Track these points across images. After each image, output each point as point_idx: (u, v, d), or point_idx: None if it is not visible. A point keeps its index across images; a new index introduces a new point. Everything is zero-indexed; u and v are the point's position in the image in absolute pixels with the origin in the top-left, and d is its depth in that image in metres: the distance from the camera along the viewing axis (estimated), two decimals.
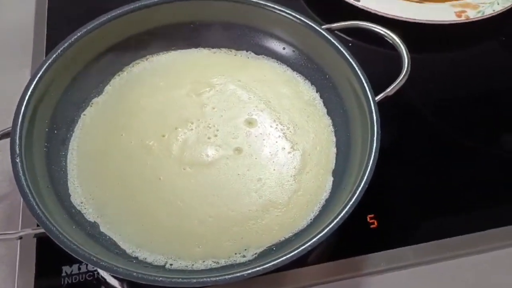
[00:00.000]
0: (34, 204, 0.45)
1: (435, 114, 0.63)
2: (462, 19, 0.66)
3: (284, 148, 0.55)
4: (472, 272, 0.52)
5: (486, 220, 0.55)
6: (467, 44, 0.70)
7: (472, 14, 0.67)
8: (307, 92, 0.60)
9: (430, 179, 0.58)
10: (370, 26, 0.58)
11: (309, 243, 0.44)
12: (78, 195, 0.52)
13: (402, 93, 0.56)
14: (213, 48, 0.63)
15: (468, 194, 0.57)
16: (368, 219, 0.54)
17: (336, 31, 0.61)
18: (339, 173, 0.53)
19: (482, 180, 0.58)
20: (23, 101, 0.51)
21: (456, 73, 0.68)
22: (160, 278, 0.42)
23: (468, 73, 0.68)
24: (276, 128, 0.57)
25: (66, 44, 0.56)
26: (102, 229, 0.50)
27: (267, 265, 0.43)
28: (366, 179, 0.47)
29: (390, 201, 0.57)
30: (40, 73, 0.53)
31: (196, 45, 0.63)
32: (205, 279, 0.42)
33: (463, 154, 0.60)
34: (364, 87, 0.53)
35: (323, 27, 0.58)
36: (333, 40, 0.56)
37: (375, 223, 0.54)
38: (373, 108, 0.51)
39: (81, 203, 0.52)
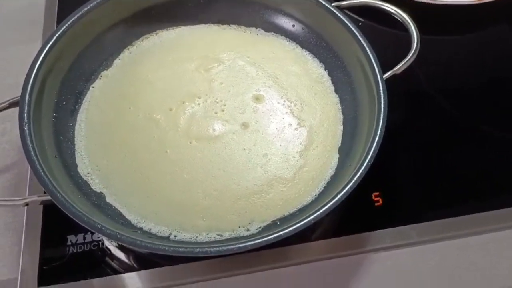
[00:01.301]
0: (41, 171, 0.46)
1: (443, 96, 0.63)
2: (476, 0, 0.65)
3: (291, 125, 0.55)
4: (476, 252, 0.51)
5: (492, 201, 0.54)
6: (480, 27, 0.69)
7: None
8: (316, 69, 0.60)
9: (436, 159, 0.58)
10: (380, 4, 0.57)
11: (311, 217, 0.44)
12: (85, 166, 0.53)
13: (411, 74, 0.56)
14: (222, 24, 0.63)
15: (474, 175, 0.57)
16: (373, 197, 0.54)
17: (346, 11, 0.61)
18: (345, 150, 0.53)
19: (489, 162, 0.58)
20: (32, 71, 0.52)
21: (468, 56, 0.67)
22: (163, 247, 0.43)
23: (479, 56, 0.67)
24: (284, 104, 0.57)
25: (76, 17, 0.56)
26: (108, 199, 0.51)
27: (269, 237, 0.44)
28: (371, 156, 0.47)
29: (395, 180, 0.56)
30: (50, 44, 0.54)
31: (206, 21, 0.63)
32: (207, 249, 0.42)
33: (470, 136, 0.60)
34: (372, 64, 0.52)
35: (333, 4, 0.57)
36: (342, 17, 0.56)
37: (380, 201, 0.54)
38: (380, 85, 0.51)
39: (88, 173, 0.52)
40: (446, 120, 0.61)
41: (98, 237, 0.52)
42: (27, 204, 0.47)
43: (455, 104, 0.62)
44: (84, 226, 0.43)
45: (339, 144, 0.54)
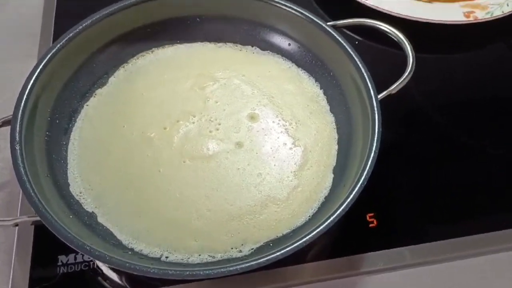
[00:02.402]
0: (31, 191, 0.45)
1: (439, 115, 0.62)
2: (471, 19, 0.65)
3: (286, 144, 0.55)
4: (473, 274, 0.51)
5: (487, 223, 0.54)
6: (475, 45, 0.69)
7: (481, 15, 0.66)
8: (311, 88, 0.59)
9: (432, 180, 0.57)
10: (375, 23, 0.57)
11: (303, 240, 0.44)
12: (77, 185, 0.52)
13: (407, 93, 0.55)
14: (218, 42, 0.63)
15: (470, 196, 0.56)
16: (368, 218, 0.54)
17: (343, 29, 0.61)
18: (340, 170, 0.53)
19: (485, 182, 0.57)
20: (26, 90, 0.52)
21: (463, 75, 0.67)
22: (153, 270, 0.42)
23: (474, 75, 0.67)
24: (279, 123, 0.57)
25: (71, 35, 0.56)
26: (99, 219, 0.50)
27: (260, 260, 0.43)
28: (365, 177, 0.47)
29: (390, 201, 0.56)
30: (44, 62, 0.54)
31: (202, 39, 0.63)
32: (197, 272, 0.42)
33: (466, 155, 0.59)
34: (367, 83, 0.52)
35: (328, 23, 0.57)
36: (337, 37, 0.55)
37: (375, 222, 0.53)
38: (374, 104, 0.51)
39: (80, 193, 0.52)
40: (442, 139, 0.61)
41: (89, 258, 0.51)
42: (16, 225, 0.46)
43: (450, 122, 0.62)
44: (73, 248, 0.42)
45: (334, 164, 0.54)
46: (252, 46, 0.62)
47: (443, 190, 0.57)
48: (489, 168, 0.58)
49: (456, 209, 0.55)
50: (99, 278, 0.51)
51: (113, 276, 0.51)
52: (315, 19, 0.57)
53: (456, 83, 0.66)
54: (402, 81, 0.53)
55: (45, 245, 0.51)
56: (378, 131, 0.49)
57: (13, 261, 0.50)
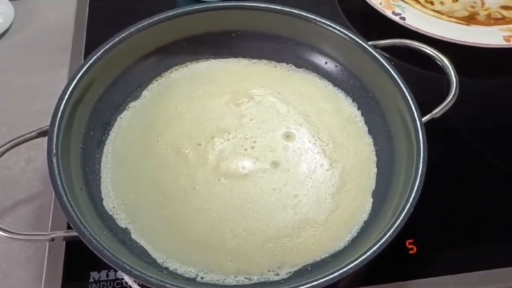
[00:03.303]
0: (69, 205, 0.44)
1: (480, 141, 0.61)
2: (511, 44, 0.64)
3: (323, 165, 0.54)
4: None
5: None
6: None
7: None
8: (348, 108, 0.58)
9: (474, 206, 0.56)
10: (419, 46, 0.56)
11: (345, 269, 0.42)
12: (110, 200, 0.51)
13: (446, 117, 0.54)
14: (253, 58, 0.62)
15: None
16: (407, 245, 0.52)
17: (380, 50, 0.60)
18: (380, 194, 0.52)
19: None
20: (62, 101, 0.51)
21: (503, 100, 0.66)
22: None
23: None
24: (315, 143, 0.55)
25: (107, 47, 0.55)
26: (133, 236, 0.49)
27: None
28: (410, 204, 0.45)
29: (431, 227, 0.54)
30: (81, 73, 0.53)
31: (236, 55, 0.62)
32: None
33: (509, 182, 0.58)
34: (410, 106, 0.51)
35: (369, 43, 0.56)
36: (380, 58, 0.55)
37: (414, 249, 0.52)
38: (419, 128, 0.50)
39: (113, 208, 0.51)
40: (485, 165, 0.60)
41: (121, 275, 0.50)
42: (52, 239, 0.45)
43: (493, 148, 0.61)
44: (112, 266, 0.41)
45: (373, 187, 0.53)
46: (287, 64, 0.62)
47: (486, 217, 0.55)
48: None
49: (501, 237, 0.54)
50: None
51: None
52: (356, 39, 0.56)
53: (498, 107, 0.65)
54: (446, 104, 0.53)
55: (77, 261, 0.50)
56: (423, 156, 0.48)
57: (43, 276, 0.49)
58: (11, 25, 0.70)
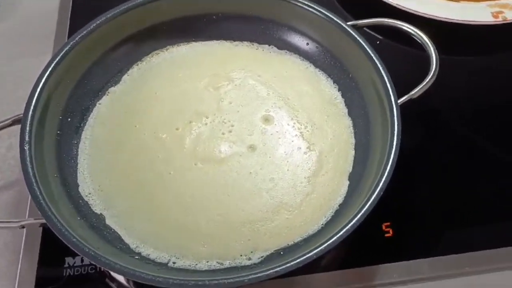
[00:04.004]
0: (38, 192, 0.45)
1: (462, 121, 0.60)
2: (499, 20, 0.62)
3: (300, 148, 0.53)
4: None
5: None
6: (502, 47, 0.66)
7: (510, 15, 0.62)
8: (329, 90, 0.57)
9: (452, 189, 0.55)
10: (397, 23, 0.55)
11: (315, 251, 0.42)
12: (86, 186, 0.51)
13: (429, 97, 0.53)
14: (234, 40, 0.61)
15: (492, 206, 0.54)
16: (384, 227, 0.51)
17: (366, 29, 0.59)
18: (356, 177, 0.51)
19: (509, 193, 0.54)
20: (37, 88, 0.51)
21: (489, 79, 0.63)
22: (159, 279, 0.41)
23: (501, 79, 0.63)
24: (293, 126, 0.55)
25: (84, 32, 0.55)
26: (107, 221, 0.49)
27: (270, 272, 0.41)
28: (381, 186, 0.45)
29: (408, 210, 0.53)
30: (57, 59, 0.53)
31: (218, 37, 0.61)
32: (203, 283, 0.40)
33: (489, 165, 0.56)
34: (387, 87, 0.50)
35: (348, 23, 0.55)
36: (357, 37, 0.53)
37: (391, 232, 0.51)
38: (395, 110, 0.48)
39: (89, 193, 0.51)
40: (465, 147, 0.58)
41: None
42: (23, 227, 0.45)
43: (474, 129, 0.59)
44: (78, 253, 0.41)
45: (350, 170, 0.52)
46: (269, 45, 0.60)
47: (464, 200, 0.54)
48: None
49: (478, 220, 0.52)
50: (106, 280, 0.50)
51: (120, 278, 0.50)
52: (334, 18, 0.55)
53: (482, 87, 0.63)
54: (425, 85, 0.51)
55: (53, 247, 0.50)
56: (397, 138, 0.47)
57: (20, 261, 0.50)
58: None
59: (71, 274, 0.49)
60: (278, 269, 0.41)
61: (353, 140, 0.54)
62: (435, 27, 0.60)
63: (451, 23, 0.61)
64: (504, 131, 0.59)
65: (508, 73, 0.64)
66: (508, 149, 0.58)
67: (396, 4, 0.65)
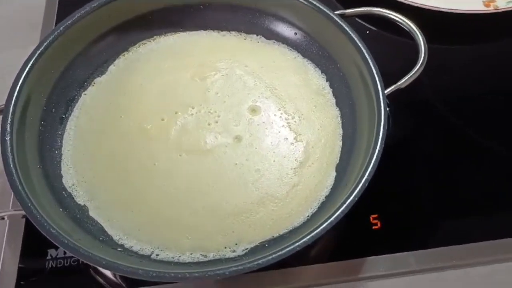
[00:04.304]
0: (18, 183, 0.44)
1: (452, 111, 0.59)
2: (490, 9, 0.61)
3: (287, 139, 0.52)
4: (480, 284, 0.48)
5: (500, 228, 0.50)
6: (493, 36, 0.65)
7: (502, 4, 0.61)
8: (317, 80, 0.56)
9: (442, 181, 0.54)
10: (384, 12, 0.54)
11: (299, 243, 0.41)
12: (70, 177, 0.51)
13: (419, 86, 0.52)
14: (222, 30, 0.60)
15: (482, 199, 0.53)
16: (371, 219, 0.51)
17: (357, 18, 0.58)
18: (343, 168, 0.50)
19: (499, 185, 0.54)
20: (19, 79, 0.50)
21: (480, 68, 0.63)
22: (139, 271, 0.40)
23: (491, 68, 0.62)
24: (281, 117, 0.54)
25: (69, 22, 0.54)
26: (91, 213, 0.49)
27: (252, 264, 0.41)
28: (367, 177, 0.44)
29: (396, 202, 0.53)
30: (39, 50, 0.52)
31: (205, 27, 0.60)
32: (183, 274, 0.40)
33: (479, 156, 0.56)
34: (374, 77, 0.49)
35: (336, 12, 0.54)
36: (344, 26, 0.52)
37: (378, 224, 0.50)
38: (381, 100, 0.47)
39: (73, 185, 0.50)
40: (454, 137, 0.57)
41: None
42: (2, 218, 0.45)
43: (463, 119, 0.58)
44: (57, 244, 0.41)
45: (337, 161, 0.51)
46: (257, 35, 0.60)
47: (453, 192, 0.53)
48: (504, 171, 0.55)
49: (467, 213, 0.52)
50: (90, 272, 0.50)
51: (104, 271, 0.50)
52: (321, 7, 0.54)
53: (472, 77, 0.62)
54: (413, 74, 0.50)
55: (36, 238, 0.48)
56: (383, 129, 0.46)
57: (2, 253, 0.50)
58: None
59: (54, 266, 0.49)
60: (260, 261, 0.41)
61: (340, 131, 0.53)
62: (426, 17, 0.59)
63: (442, 12, 0.60)
64: (493, 121, 0.58)
65: (498, 62, 0.63)
66: (497, 138, 0.57)
67: None
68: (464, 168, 0.55)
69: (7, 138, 0.47)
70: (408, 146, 0.56)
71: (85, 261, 0.40)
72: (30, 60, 0.51)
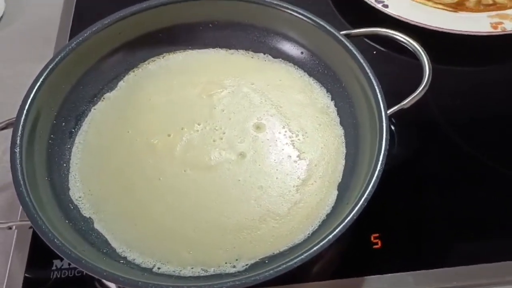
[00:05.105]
0: (25, 194, 0.45)
1: (456, 132, 0.59)
2: (498, 31, 0.61)
3: (290, 157, 0.53)
4: None
5: (503, 250, 0.50)
6: (499, 59, 0.65)
7: (510, 26, 0.62)
8: (322, 99, 0.57)
9: (445, 201, 0.54)
10: (389, 33, 0.54)
11: (298, 259, 0.42)
12: (77, 189, 0.52)
13: (423, 107, 0.52)
14: (230, 49, 0.62)
15: (484, 220, 0.53)
16: (372, 239, 0.51)
17: (365, 38, 0.58)
18: (345, 187, 0.50)
19: (502, 206, 0.53)
20: (31, 93, 0.51)
21: (487, 90, 0.63)
22: (139, 283, 0.41)
23: (497, 90, 0.63)
24: (285, 135, 0.55)
25: (80, 38, 0.56)
26: (96, 225, 0.50)
27: (251, 279, 0.41)
28: (366, 195, 0.44)
29: (397, 222, 0.53)
30: (52, 65, 0.54)
31: (214, 45, 0.62)
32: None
33: (482, 177, 0.56)
34: (377, 97, 0.49)
35: (341, 32, 0.55)
36: (349, 46, 0.53)
37: (379, 244, 0.51)
38: (383, 119, 0.48)
39: (79, 197, 0.51)
40: (457, 157, 0.57)
41: None
42: (10, 228, 0.46)
43: (466, 141, 0.58)
44: (61, 255, 0.42)
45: (339, 180, 0.52)
46: (264, 54, 0.61)
47: (455, 213, 0.53)
48: (508, 191, 0.54)
49: (469, 234, 0.52)
50: (94, 284, 0.50)
51: (107, 282, 0.50)
52: (327, 27, 0.55)
53: (477, 98, 0.62)
54: (416, 95, 0.51)
55: (42, 249, 0.49)
56: (384, 148, 0.46)
57: (9, 262, 0.51)
58: (1, 18, 0.72)
59: (58, 276, 0.50)
60: (257, 277, 0.41)
61: (344, 150, 0.53)
62: (432, 37, 0.60)
63: (448, 33, 0.61)
64: (498, 142, 0.58)
65: (504, 85, 0.63)
66: (501, 159, 0.57)
67: (391, 13, 0.65)
68: (467, 188, 0.55)
69: (17, 150, 0.48)
70: (412, 165, 0.56)
71: (86, 272, 0.41)
72: (42, 75, 0.53)
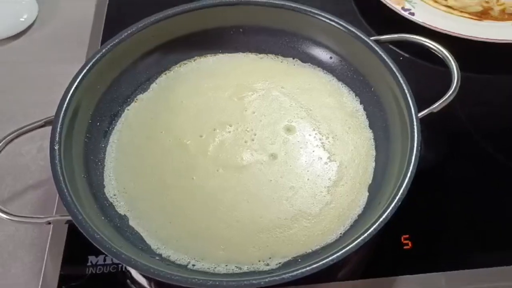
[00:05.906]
0: (65, 189, 0.46)
1: (484, 138, 0.60)
2: None
3: (321, 158, 0.54)
4: None
5: None
6: None
7: None
8: (351, 103, 0.58)
9: (473, 205, 0.55)
10: (419, 39, 0.55)
11: (332, 257, 0.43)
12: (112, 187, 0.53)
13: (452, 113, 0.53)
14: (260, 53, 0.63)
15: None
16: (402, 240, 0.52)
17: (390, 45, 0.59)
18: (375, 188, 0.51)
19: None
20: (69, 92, 0.53)
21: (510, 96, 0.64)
22: (176, 277, 0.42)
23: None
24: (315, 137, 0.56)
25: (116, 41, 0.57)
26: (131, 222, 0.51)
27: (286, 275, 0.42)
28: (399, 196, 0.45)
29: (427, 223, 0.53)
30: (88, 66, 0.55)
31: (244, 49, 0.63)
32: (220, 283, 0.41)
33: (509, 182, 0.56)
34: (408, 100, 0.51)
35: (371, 38, 0.56)
36: (379, 52, 0.54)
37: (409, 244, 0.51)
38: (414, 122, 0.49)
39: (114, 195, 0.52)
40: (485, 162, 0.58)
41: None
42: (49, 223, 0.47)
43: (495, 147, 0.59)
44: (100, 249, 0.43)
45: (370, 182, 0.53)
46: (293, 58, 0.62)
47: (484, 216, 0.54)
48: None
49: (496, 236, 0.52)
50: (127, 281, 0.51)
51: (141, 280, 0.51)
52: (358, 33, 0.56)
53: (505, 105, 0.63)
54: (446, 99, 0.52)
55: (77, 245, 0.51)
56: (416, 150, 0.47)
57: (45, 258, 0.52)
58: (35, 20, 0.74)
59: (94, 272, 0.51)
60: (294, 273, 0.42)
61: (374, 152, 0.54)
62: (459, 45, 0.61)
63: (475, 40, 0.62)
64: None
65: None
66: None
67: (419, 21, 0.66)
68: (495, 192, 0.56)
69: (56, 147, 0.49)
70: (440, 169, 0.57)
71: (127, 266, 0.42)
72: (80, 75, 0.54)
